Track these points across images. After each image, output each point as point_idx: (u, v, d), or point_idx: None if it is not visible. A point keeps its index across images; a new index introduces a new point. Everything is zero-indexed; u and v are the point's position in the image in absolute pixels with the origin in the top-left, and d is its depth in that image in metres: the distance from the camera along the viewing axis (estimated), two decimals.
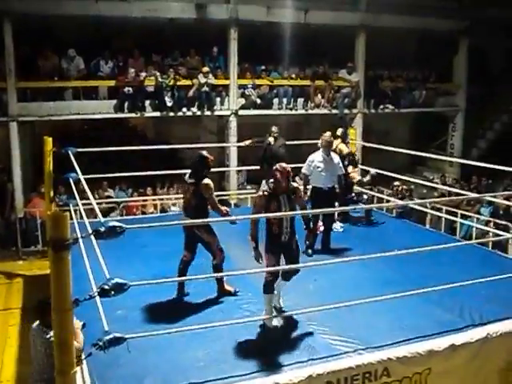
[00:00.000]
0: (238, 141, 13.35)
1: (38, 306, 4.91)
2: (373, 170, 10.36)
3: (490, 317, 5.72)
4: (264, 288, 5.52)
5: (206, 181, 6.07)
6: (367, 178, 10.11)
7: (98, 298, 4.22)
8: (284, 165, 5.60)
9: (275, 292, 5.72)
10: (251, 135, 10.23)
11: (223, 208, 6.19)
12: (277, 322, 5.55)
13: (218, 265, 6.19)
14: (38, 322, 4.88)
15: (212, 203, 6.11)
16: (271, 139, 9.40)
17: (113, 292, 4.08)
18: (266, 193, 5.55)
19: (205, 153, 6.33)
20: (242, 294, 6.32)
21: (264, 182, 5.75)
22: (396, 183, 12.02)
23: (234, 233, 6.31)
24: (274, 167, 5.57)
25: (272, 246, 5.54)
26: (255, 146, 9.87)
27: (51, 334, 4.60)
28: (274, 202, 5.50)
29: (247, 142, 10.19)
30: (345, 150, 9.40)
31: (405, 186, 12.12)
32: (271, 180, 5.60)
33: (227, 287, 6.31)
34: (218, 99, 14.30)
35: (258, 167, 9.77)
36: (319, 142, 8.39)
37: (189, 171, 6.30)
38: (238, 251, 6.53)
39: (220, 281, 6.27)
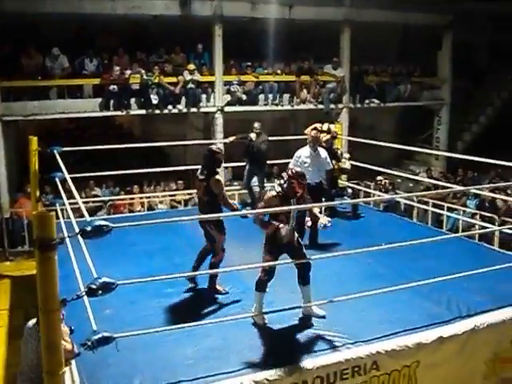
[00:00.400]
0: (225, 137, 13.33)
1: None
2: (346, 155, 10.39)
3: (478, 308, 5.76)
4: (256, 285, 5.51)
5: (216, 177, 6.05)
6: (346, 164, 10.10)
7: (85, 298, 4.21)
8: (299, 173, 5.55)
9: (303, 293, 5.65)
10: (237, 132, 10.21)
11: (232, 203, 6.20)
12: (266, 319, 5.55)
13: (215, 264, 6.18)
14: (34, 320, 4.84)
15: (222, 199, 6.08)
16: (253, 135, 9.41)
17: (100, 291, 4.07)
18: (280, 193, 5.51)
19: (214, 147, 6.31)
20: (232, 292, 6.30)
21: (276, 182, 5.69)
22: (379, 177, 12.08)
23: (229, 232, 6.29)
24: (289, 174, 5.50)
25: (272, 246, 5.53)
26: (240, 143, 9.87)
27: None
28: (285, 204, 5.44)
29: (231, 139, 10.19)
30: (327, 136, 9.33)
31: (387, 181, 12.20)
32: (282, 181, 5.55)
33: (218, 287, 6.30)
34: (204, 96, 14.28)
35: (243, 164, 9.80)
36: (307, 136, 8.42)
37: (200, 167, 6.27)
38: (232, 250, 6.51)
39: (212, 280, 6.26)
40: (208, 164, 6.14)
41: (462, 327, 5.47)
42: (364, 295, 5.48)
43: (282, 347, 5.09)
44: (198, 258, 6.41)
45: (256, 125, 9.54)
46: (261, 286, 5.50)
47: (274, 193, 5.58)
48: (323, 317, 5.59)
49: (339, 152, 10.04)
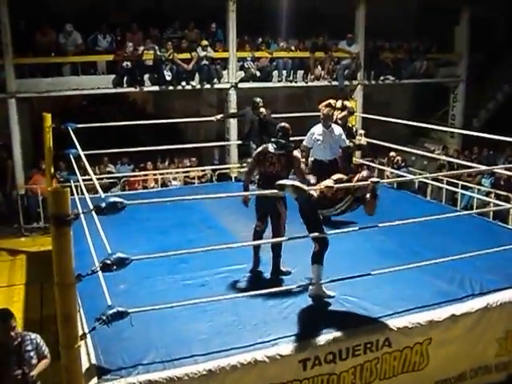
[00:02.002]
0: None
1: None
2: (361, 131, 10.30)
3: (490, 287, 5.75)
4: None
5: (296, 153, 6.20)
6: (362, 140, 10.01)
7: (100, 273, 4.26)
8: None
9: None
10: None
11: (309, 177, 6.31)
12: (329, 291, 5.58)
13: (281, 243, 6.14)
14: None
15: (300, 173, 6.18)
16: (263, 110, 9.34)
17: (115, 266, 4.12)
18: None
19: (284, 124, 6.37)
20: (247, 268, 6.34)
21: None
22: (392, 154, 12.00)
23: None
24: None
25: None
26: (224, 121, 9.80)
27: None
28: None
29: (218, 117, 10.23)
30: (343, 113, 9.16)
31: (399, 157, 12.11)
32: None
33: (282, 268, 6.23)
34: (218, 72, 14.18)
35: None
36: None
37: (270, 144, 6.26)
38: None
39: (277, 260, 6.19)
40: (284, 140, 6.17)
41: (475, 305, 5.47)
42: (376, 273, 5.49)
43: (295, 323, 5.12)
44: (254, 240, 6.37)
45: (259, 99, 9.48)
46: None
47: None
48: (333, 297, 5.57)
49: (354, 129, 9.96)
